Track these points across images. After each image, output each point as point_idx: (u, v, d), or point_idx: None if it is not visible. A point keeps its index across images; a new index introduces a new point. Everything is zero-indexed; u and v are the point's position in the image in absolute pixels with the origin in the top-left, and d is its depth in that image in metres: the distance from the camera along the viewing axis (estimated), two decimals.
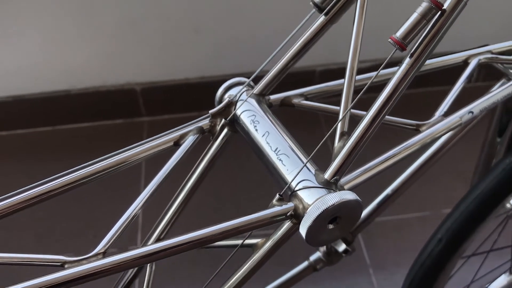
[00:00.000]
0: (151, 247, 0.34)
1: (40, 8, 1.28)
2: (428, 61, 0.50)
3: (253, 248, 0.40)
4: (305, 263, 0.57)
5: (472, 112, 0.44)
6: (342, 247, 0.55)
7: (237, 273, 0.40)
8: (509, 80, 0.49)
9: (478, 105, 0.44)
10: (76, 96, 1.42)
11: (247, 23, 1.30)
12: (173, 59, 1.41)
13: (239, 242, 0.41)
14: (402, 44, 0.34)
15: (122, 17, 1.32)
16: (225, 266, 0.41)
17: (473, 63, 0.49)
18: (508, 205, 0.84)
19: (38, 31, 1.33)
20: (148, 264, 0.47)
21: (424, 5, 0.33)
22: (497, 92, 0.46)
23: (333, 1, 0.39)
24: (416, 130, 0.42)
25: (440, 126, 0.42)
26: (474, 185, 0.68)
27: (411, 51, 0.35)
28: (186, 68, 1.41)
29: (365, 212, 0.58)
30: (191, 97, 1.43)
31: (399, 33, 0.34)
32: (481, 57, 0.50)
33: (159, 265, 0.49)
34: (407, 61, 0.35)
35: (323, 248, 0.56)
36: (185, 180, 0.45)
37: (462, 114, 0.43)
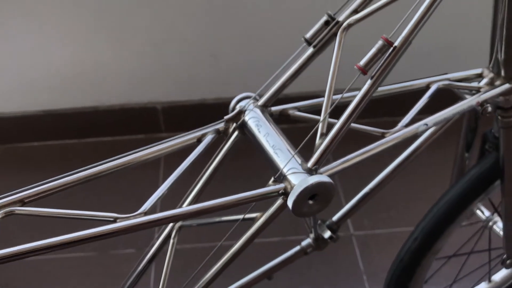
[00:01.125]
0: (176, 211, 0.47)
1: (74, 30, 1.44)
2: (399, 85, 0.63)
3: (254, 220, 0.53)
4: (297, 247, 0.69)
5: (426, 124, 0.57)
6: (327, 234, 0.67)
7: (241, 239, 0.53)
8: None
9: (432, 119, 0.57)
10: (103, 112, 1.57)
11: (258, 49, 1.45)
12: (191, 81, 1.56)
13: (239, 217, 0.54)
14: (364, 70, 0.47)
15: (147, 41, 1.47)
16: (226, 239, 0.53)
17: (433, 87, 0.62)
18: (483, 216, 0.96)
19: (70, 51, 1.48)
20: (172, 236, 0.60)
21: (380, 42, 0.47)
22: (448, 110, 0.59)
23: (319, 38, 0.52)
24: (382, 136, 0.55)
25: (399, 134, 0.55)
26: (444, 193, 0.80)
27: (371, 75, 0.48)
28: (203, 89, 1.55)
29: (346, 207, 0.70)
30: (206, 116, 1.56)
31: (362, 62, 0.47)
32: (440, 83, 0.63)
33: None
34: (368, 82, 0.48)
35: (312, 235, 0.68)
36: (204, 170, 0.58)
37: (418, 125, 0.56)
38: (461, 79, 0.65)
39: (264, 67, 0.58)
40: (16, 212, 0.47)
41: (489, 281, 1.06)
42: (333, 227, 0.68)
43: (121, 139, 1.59)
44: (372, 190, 0.68)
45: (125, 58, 1.50)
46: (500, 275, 1.07)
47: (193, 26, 1.44)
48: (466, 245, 0.99)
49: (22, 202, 0.48)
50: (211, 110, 1.55)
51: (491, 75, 0.64)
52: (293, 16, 1.32)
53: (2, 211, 0.46)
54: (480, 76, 0.65)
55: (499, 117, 0.67)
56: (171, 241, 0.61)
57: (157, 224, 0.46)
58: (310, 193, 0.48)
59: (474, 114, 0.76)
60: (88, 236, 0.44)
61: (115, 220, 0.46)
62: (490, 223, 0.94)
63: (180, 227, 0.61)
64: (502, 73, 0.63)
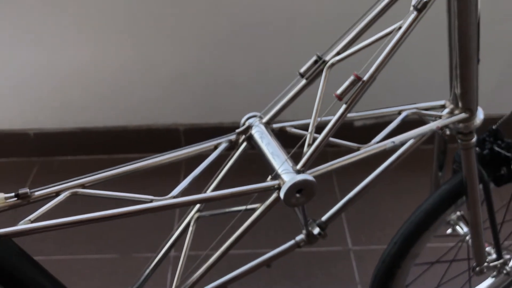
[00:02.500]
0: (197, 196, 0.63)
1: (110, 58, 1.63)
2: (375, 111, 0.79)
3: (255, 210, 0.69)
4: (292, 241, 0.84)
5: (393, 142, 0.72)
6: (317, 230, 0.82)
7: (244, 224, 0.69)
8: None
9: (398, 138, 0.72)
10: (131, 131, 1.75)
11: (268, 80, 1.63)
12: (210, 106, 1.72)
13: (243, 207, 0.70)
14: (340, 97, 0.63)
15: (174, 70, 1.65)
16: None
17: (404, 114, 0.78)
18: (461, 231, 1.09)
19: (106, 76, 1.66)
20: (190, 224, 0.76)
21: (352, 77, 0.63)
22: (413, 132, 0.74)
23: (309, 72, 0.69)
24: (357, 149, 0.70)
25: (371, 148, 0.70)
26: (419, 205, 0.95)
27: (346, 102, 0.64)
28: (221, 114, 1.72)
29: (332, 210, 0.84)
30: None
31: (338, 91, 0.63)
32: (410, 111, 0.78)
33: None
34: (343, 106, 0.64)
35: (305, 231, 0.83)
36: (219, 170, 0.74)
37: (386, 142, 0.71)
38: (427, 108, 0.81)
39: (273, 95, 0.73)
40: (78, 193, 0.64)
41: None
42: (322, 226, 0.82)
43: (146, 156, 1.76)
44: (353, 197, 0.82)
45: (153, 84, 1.68)
46: (483, 286, 1.19)
47: (214, 59, 1.62)
48: (447, 257, 1.13)
49: (83, 186, 0.64)
50: (227, 132, 1.71)
51: (452, 106, 0.79)
52: (297, 54, 1.50)
53: (68, 192, 0.63)
54: (443, 107, 0.81)
55: (460, 141, 0.82)
56: (190, 228, 0.77)
57: (182, 204, 0.62)
58: (297, 188, 0.64)
59: (442, 139, 0.91)
60: (133, 211, 0.60)
61: (151, 201, 0.62)
62: (467, 238, 1.07)
63: (198, 217, 0.77)
64: (460, 104, 0.78)
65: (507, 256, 1.04)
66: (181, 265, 0.74)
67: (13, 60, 1.61)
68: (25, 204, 0.62)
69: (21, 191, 0.61)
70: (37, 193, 0.62)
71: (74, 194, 0.63)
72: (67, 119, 1.74)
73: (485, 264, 1.01)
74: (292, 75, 0.73)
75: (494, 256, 1.03)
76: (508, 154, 0.88)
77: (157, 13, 1.54)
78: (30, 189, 0.60)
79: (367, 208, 1.57)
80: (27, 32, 1.55)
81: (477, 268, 1.01)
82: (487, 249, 1.05)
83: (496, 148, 0.89)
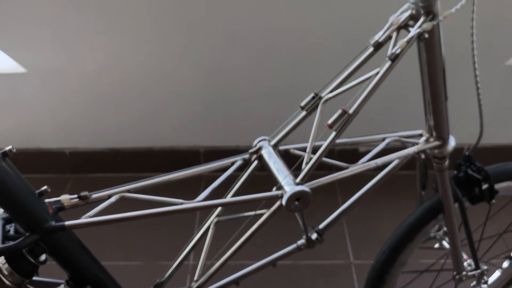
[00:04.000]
0: (219, 200, 0.80)
1: (138, 87, 1.83)
2: (364, 138, 0.96)
3: (262, 214, 0.86)
4: (294, 245, 0.99)
5: (376, 163, 0.89)
6: (315, 236, 0.98)
7: (253, 226, 0.86)
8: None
9: (380, 160, 0.89)
10: (156, 152, 1.93)
11: (280, 107, 1.80)
12: (228, 131, 1.89)
13: (253, 212, 0.87)
14: (330, 126, 0.80)
15: (196, 98, 1.83)
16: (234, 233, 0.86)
17: (387, 140, 0.95)
18: (447, 246, 1.23)
19: (134, 101, 1.86)
20: (210, 227, 0.93)
21: (339, 111, 0.80)
22: (393, 155, 0.91)
23: (308, 106, 0.87)
24: (346, 168, 0.87)
25: (357, 167, 0.87)
26: (404, 219, 1.10)
27: (335, 130, 0.81)
28: (238, 138, 1.89)
29: (328, 220, 1.00)
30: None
31: (329, 121, 0.80)
32: (392, 138, 0.95)
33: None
34: (332, 134, 0.81)
35: (305, 237, 0.99)
36: (234, 183, 0.91)
37: (370, 163, 0.88)
38: (407, 136, 0.97)
39: (280, 121, 0.90)
40: (126, 196, 0.81)
41: None
42: (320, 232, 0.98)
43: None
44: (345, 209, 0.98)
45: (177, 111, 1.85)
46: None
47: (232, 90, 1.81)
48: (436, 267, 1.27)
49: (129, 191, 0.82)
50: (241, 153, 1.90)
51: (427, 135, 0.96)
52: (301, 89, 1.68)
53: (118, 195, 0.81)
54: (420, 135, 0.97)
55: (435, 164, 0.98)
56: (210, 231, 0.94)
57: (206, 207, 0.79)
58: (296, 196, 0.81)
59: (423, 164, 1.06)
60: (168, 211, 0.78)
61: (182, 204, 0.80)
62: None
63: (217, 221, 0.94)
64: (434, 134, 0.95)
65: (485, 267, 1.18)
66: (203, 259, 0.91)
67: (53, 87, 1.81)
68: (84, 204, 0.80)
69: (82, 193, 0.79)
70: (94, 196, 0.80)
71: (122, 197, 0.81)
72: (99, 140, 1.93)
73: (464, 273, 1.15)
74: (296, 106, 0.90)
75: (473, 266, 1.17)
76: (479, 177, 1.03)
77: (179, 46, 1.73)
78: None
79: (367, 227, 1.72)
80: (68, 60, 1.76)
81: (457, 276, 1.16)
82: (468, 261, 1.19)
83: (469, 172, 1.04)
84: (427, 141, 0.96)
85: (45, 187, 0.74)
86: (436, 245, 1.22)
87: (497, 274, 1.38)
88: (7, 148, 0.69)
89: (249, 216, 0.90)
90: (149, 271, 1.61)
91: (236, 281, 1.00)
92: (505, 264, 1.37)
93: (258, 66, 1.74)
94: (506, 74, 1.76)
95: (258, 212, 0.87)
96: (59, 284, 0.83)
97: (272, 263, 1.00)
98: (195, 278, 0.91)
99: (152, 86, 1.80)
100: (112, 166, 1.96)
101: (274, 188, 0.84)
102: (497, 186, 1.06)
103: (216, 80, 1.78)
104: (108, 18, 1.64)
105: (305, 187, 0.81)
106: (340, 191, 1.78)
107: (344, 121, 0.80)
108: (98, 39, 1.68)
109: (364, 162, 0.89)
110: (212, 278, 0.94)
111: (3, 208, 0.72)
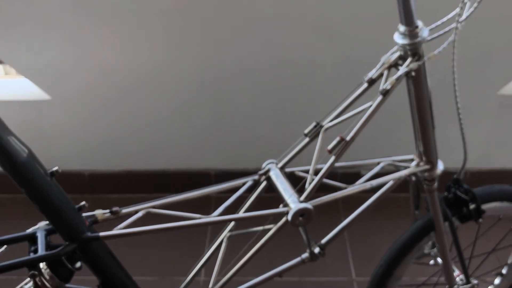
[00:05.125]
0: (233, 215, 0.92)
1: (153, 112, 1.96)
2: (360, 162, 1.08)
3: (269, 229, 0.97)
4: (298, 258, 1.09)
5: (371, 184, 1.00)
6: (317, 250, 1.09)
7: (261, 240, 0.97)
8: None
9: (375, 182, 1.01)
10: (169, 174, 2.04)
11: (285, 136, 1.92)
12: (237, 154, 1.99)
13: (262, 228, 0.98)
14: (330, 151, 0.92)
15: (207, 123, 1.96)
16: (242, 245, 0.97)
17: (381, 164, 1.06)
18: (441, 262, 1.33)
19: (148, 129, 1.99)
20: (223, 241, 1.04)
21: (338, 138, 0.92)
22: (387, 177, 1.02)
23: (310, 133, 0.98)
24: (344, 188, 0.99)
25: (354, 188, 0.98)
26: (399, 236, 1.21)
27: (334, 154, 0.93)
28: (247, 161, 2.00)
29: (329, 235, 1.11)
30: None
31: (329, 147, 0.92)
32: (386, 162, 1.07)
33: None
34: (332, 158, 0.93)
35: (308, 251, 1.09)
36: (245, 201, 1.03)
37: (366, 184, 1.00)
38: (400, 160, 1.09)
39: (287, 146, 1.01)
40: (151, 212, 0.93)
41: None
42: (322, 247, 1.09)
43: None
44: (345, 226, 1.08)
45: (189, 135, 1.97)
46: None
47: (241, 116, 1.93)
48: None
49: (154, 207, 0.94)
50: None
51: (418, 159, 1.07)
52: (307, 116, 1.80)
53: (145, 210, 0.92)
54: (412, 160, 1.09)
55: (425, 186, 1.09)
56: (223, 244, 1.05)
57: (221, 221, 0.91)
58: (300, 213, 0.92)
59: (416, 186, 1.17)
60: (188, 225, 0.89)
61: (200, 218, 0.91)
62: None
63: (229, 236, 1.06)
64: (423, 158, 1.06)
65: (475, 282, 1.28)
66: (217, 269, 1.01)
67: (74, 113, 1.95)
68: (115, 218, 0.91)
69: (114, 208, 0.90)
70: (123, 211, 0.92)
71: (148, 213, 0.93)
72: (116, 162, 2.05)
73: (455, 286, 1.25)
74: (300, 132, 1.02)
75: (464, 281, 1.27)
76: (466, 197, 1.14)
77: (193, 77, 1.87)
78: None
79: (369, 246, 1.82)
80: (89, 89, 1.90)
81: None
82: (461, 276, 1.29)
83: (458, 193, 1.15)
84: (417, 165, 1.07)
85: (83, 203, 0.86)
86: (431, 262, 1.32)
87: None
88: (54, 169, 0.82)
89: (258, 231, 1.00)
90: (162, 285, 1.72)
91: None
92: (497, 280, 1.47)
93: (265, 96, 1.86)
94: (499, 103, 1.88)
95: (266, 227, 0.98)
96: None
97: (279, 274, 1.10)
98: (210, 286, 1.02)
99: (166, 114, 1.92)
100: (128, 187, 2.07)
101: (281, 206, 0.95)
102: (485, 206, 1.17)
103: (226, 109, 1.90)
104: (126, 49, 1.77)
105: (308, 205, 0.92)
106: (343, 212, 1.89)
107: (342, 147, 0.92)
108: (115, 71, 1.82)
109: (360, 184, 1.00)
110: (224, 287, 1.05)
111: (48, 219, 0.84)
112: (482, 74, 1.80)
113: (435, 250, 1.28)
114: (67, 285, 0.92)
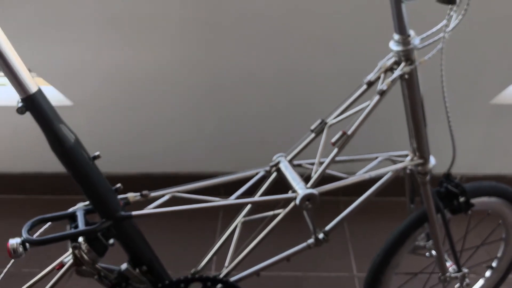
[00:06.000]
0: (248, 199, 1.04)
1: (165, 120, 2.09)
2: (361, 156, 1.20)
3: (279, 214, 1.09)
4: (305, 243, 1.21)
5: (370, 175, 1.12)
6: (321, 236, 1.20)
7: (271, 223, 1.09)
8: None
9: (373, 173, 1.13)
10: (182, 177, 2.17)
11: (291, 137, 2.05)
12: (245, 157, 2.10)
13: (272, 212, 1.10)
14: (333, 144, 1.05)
15: (217, 129, 2.09)
16: (254, 230, 1.09)
17: (379, 159, 1.19)
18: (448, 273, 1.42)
19: (162, 134, 2.12)
20: (238, 226, 1.16)
21: (340, 132, 1.05)
22: (384, 169, 1.15)
23: (316, 129, 1.11)
24: (346, 178, 1.11)
25: (354, 178, 1.11)
26: (396, 228, 1.32)
27: (336, 146, 1.05)
28: (253, 163, 2.13)
29: (332, 223, 1.23)
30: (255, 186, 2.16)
31: (332, 140, 1.05)
32: (383, 157, 1.19)
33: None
34: (335, 150, 1.05)
35: (313, 237, 1.21)
36: (257, 190, 1.15)
37: (365, 175, 1.12)
38: (396, 156, 1.21)
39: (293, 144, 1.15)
40: (176, 195, 1.06)
41: None
42: (326, 233, 1.21)
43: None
44: (347, 214, 1.20)
45: (199, 141, 2.10)
46: None
47: (248, 123, 2.06)
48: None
49: (178, 191, 1.06)
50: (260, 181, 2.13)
51: (412, 155, 1.20)
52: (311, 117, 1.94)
53: (170, 194, 1.05)
54: (407, 155, 1.21)
55: (419, 179, 1.22)
56: (237, 229, 1.17)
57: (238, 204, 1.03)
58: (306, 198, 1.04)
59: (411, 181, 1.29)
60: (210, 206, 1.02)
61: (219, 200, 1.04)
62: None
63: (243, 222, 1.18)
64: (417, 154, 1.19)
65: (466, 270, 1.39)
66: (232, 249, 1.13)
67: (94, 118, 2.08)
68: (144, 200, 1.04)
69: (144, 192, 1.03)
70: (152, 194, 1.04)
71: (174, 196, 1.05)
72: (132, 165, 2.17)
73: (447, 274, 1.37)
74: (306, 129, 1.14)
75: (456, 269, 1.38)
76: (456, 191, 1.26)
77: (203, 86, 2.00)
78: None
79: (370, 245, 1.93)
80: (109, 95, 2.03)
81: (442, 277, 1.37)
82: (453, 266, 1.41)
83: (449, 187, 1.27)
84: (412, 159, 1.19)
85: (119, 185, 0.99)
86: (427, 254, 1.43)
87: (480, 282, 1.59)
88: (96, 153, 0.95)
89: (268, 215, 1.13)
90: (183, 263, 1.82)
91: (257, 272, 1.22)
92: (487, 273, 1.58)
93: (272, 101, 1.99)
94: (491, 112, 2.00)
95: (276, 211, 1.10)
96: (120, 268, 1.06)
97: (287, 258, 1.22)
98: (226, 264, 1.14)
99: (179, 120, 2.05)
100: (143, 189, 2.18)
101: (289, 192, 1.07)
102: (474, 200, 1.29)
103: (235, 116, 2.03)
104: (141, 60, 1.91)
105: (314, 190, 1.05)
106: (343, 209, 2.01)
107: (344, 140, 1.05)
108: (131, 79, 1.96)
109: (360, 174, 1.13)
110: (238, 267, 1.17)
111: (88, 198, 0.96)
112: (475, 84, 1.93)
113: (429, 242, 1.40)
114: (100, 264, 1.04)
